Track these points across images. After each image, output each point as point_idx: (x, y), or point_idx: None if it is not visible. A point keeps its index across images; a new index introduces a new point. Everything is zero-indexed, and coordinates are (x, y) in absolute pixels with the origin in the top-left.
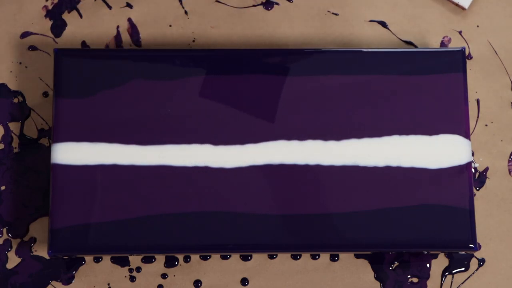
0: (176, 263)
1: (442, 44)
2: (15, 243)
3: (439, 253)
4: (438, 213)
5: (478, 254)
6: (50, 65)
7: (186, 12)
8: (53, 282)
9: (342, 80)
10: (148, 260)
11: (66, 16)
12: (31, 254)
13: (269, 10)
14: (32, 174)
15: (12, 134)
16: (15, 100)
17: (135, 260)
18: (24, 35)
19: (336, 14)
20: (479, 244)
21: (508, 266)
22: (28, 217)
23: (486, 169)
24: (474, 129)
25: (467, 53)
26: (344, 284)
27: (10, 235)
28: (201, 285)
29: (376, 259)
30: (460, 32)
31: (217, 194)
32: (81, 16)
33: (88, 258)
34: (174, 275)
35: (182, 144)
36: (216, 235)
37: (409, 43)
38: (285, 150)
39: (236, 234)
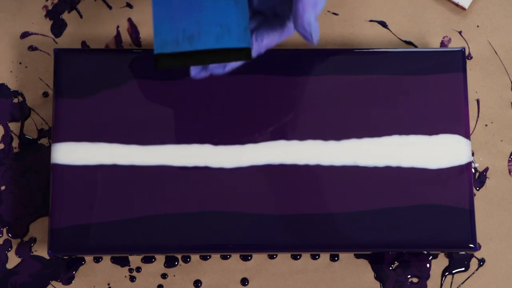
0: (176, 263)
1: (442, 44)
2: (15, 243)
3: (439, 253)
4: (438, 213)
5: (478, 254)
6: (50, 65)
7: None
8: (53, 282)
9: (342, 80)
10: (148, 260)
11: (66, 16)
12: (31, 254)
13: None
14: (32, 174)
15: (12, 134)
16: (15, 100)
17: (135, 260)
18: (24, 35)
19: (336, 14)
20: (479, 244)
21: (508, 266)
22: (28, 217)
23: (486, 169)
24: (474, 129)
25: (467, 53)
26: (344, 284)
27: (10, 235)
28: (201, 285)
29: (376, 259)
30: (460, 32)
31: (217, 194)
32: (81, 16)
33: (88, 258)
34: (174, 275)
35: (182, 144)
36: (216, 235)
37: (409, 43)
38: (285, 150)
39: (236, 234)
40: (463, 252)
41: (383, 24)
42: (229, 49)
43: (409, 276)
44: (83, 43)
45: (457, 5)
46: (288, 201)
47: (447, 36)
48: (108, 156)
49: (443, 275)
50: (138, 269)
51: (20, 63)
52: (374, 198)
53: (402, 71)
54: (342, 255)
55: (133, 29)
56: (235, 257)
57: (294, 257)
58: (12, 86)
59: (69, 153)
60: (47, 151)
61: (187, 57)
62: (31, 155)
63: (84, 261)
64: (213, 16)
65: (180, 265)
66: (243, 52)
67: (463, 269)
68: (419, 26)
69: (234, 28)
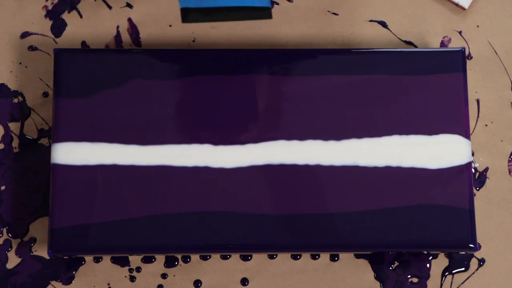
0: (176, 263)
1: (442, 44)
2: (15, 243)
3: (439, 253)
4: (438, 213)
5: (478, 254)
6: (50, 65)
7: None
8: (53, 282)
9: (342, 80)
10: (148, 260)
11: (66, 16)
12: (31, 254)
13: None
14: (32, 174)
15: (12, 134)
16: (15, 100)
17: (135, 260)
18: (24, 35)
19: (336, 14)
20: (479, 244)
21: (508, 266)
22: (28, 217)
23: (486, 169)
24: (474, 129)
25: (467, 53)
26: (344, 284)
27: (10, 235)
28: (201, 285)
29: (376, 259)
30: (460, 32)
31: (217, 194)
32: (81, 16)
33: (88, 258)
34: (174, 275)
35: (182, 144)
36: (216, 235)
37: (409, 43)
38: (285, 150)
39: (236, 234)
40: (463, 252)
41: (383, 24)
42: (250, 7)
43: (409, 276)
44: (83, 43)
45: (457, 5)
46: (288, 201)
47: (447, 36)
48: (108, 156)
49: (443, 275)
50: (138, 269)
51: (20, 63)
52: (374, 198)
53: (402, 71)
54: (342, 255)
55: (133, 29)
56: (235, 257)
57: (294, 257)
58: (12, 86)
59: (69, 153)
60: (47, 151)
61: (210, 13)
62: (31, 155)
63: (84, 261)
64: None
65: (180, 265)
66: (264, 11)
67: (463, 269)
68: (419, 26)
69: None
